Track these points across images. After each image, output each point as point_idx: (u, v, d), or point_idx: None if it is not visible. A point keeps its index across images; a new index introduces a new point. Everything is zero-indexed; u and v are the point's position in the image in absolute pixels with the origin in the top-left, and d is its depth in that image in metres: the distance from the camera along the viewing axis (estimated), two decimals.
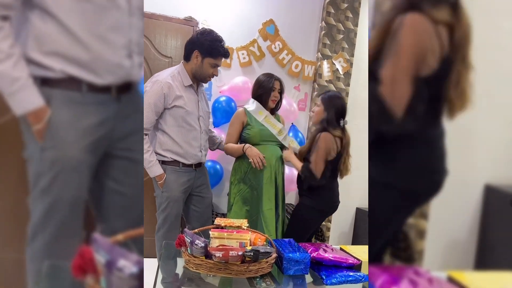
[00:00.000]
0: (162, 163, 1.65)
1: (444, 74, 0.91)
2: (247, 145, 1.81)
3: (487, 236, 1.57)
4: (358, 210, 2.90)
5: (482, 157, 1.42)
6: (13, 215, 1.37)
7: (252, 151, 1.78)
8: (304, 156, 1.81)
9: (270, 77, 1.87)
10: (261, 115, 1.86)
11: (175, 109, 1.61)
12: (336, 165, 1.80)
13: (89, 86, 1.05)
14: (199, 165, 1.76)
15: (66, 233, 1.05)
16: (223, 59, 1.69)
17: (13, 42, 0.96)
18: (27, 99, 0.98)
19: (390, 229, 1.05)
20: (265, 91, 1.85)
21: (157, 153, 1.65)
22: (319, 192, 1.80)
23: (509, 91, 1.52)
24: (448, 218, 1.16)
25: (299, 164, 1.81)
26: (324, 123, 1.78)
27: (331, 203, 1.86)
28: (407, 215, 1.07)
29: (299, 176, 1.87)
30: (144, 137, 1.60)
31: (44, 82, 1.01)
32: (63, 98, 1.03)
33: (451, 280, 0.72)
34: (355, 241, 2.87)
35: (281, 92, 1.91)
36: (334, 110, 1.79)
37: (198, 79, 1.70)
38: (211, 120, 2.40)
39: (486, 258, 1.55)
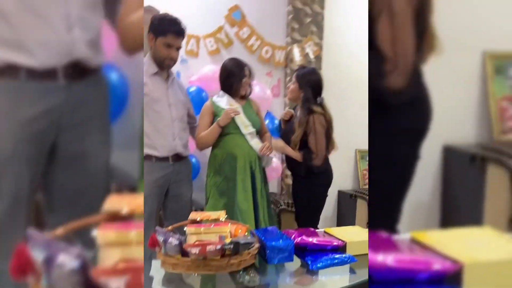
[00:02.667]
0: None
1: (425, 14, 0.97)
2: (218, 119, 1.73)
3: (450, 195, 1.63)
4: (340, 193, 2.91)
5: (439, 118, 1.45)
6: None
7: (224, 117, 1.70)
8: (299, 143, 1.77)
9: (239, 64, 1.79)
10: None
11: None
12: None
13: (29, 73, 0.94)
14: (178, 158, 1.66)
15: (7, 230, 0.96)
16: (181, 41, 1.59)
17: None
18: None
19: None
20: (236, 79, 1.78)
21: None
22: (327, 168, 1.88)
23: (461, 49, 1.55)
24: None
25: (296, 153, 1.80)
26: (304, 102, 1.76)
27: (332, 175, 1.92)
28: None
29: (292, 162, 1.86)
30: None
31: None
32: None
33: (413, 241, 0.71)
34: (340, 223, 2.89)
35: (250, 78, 1.84)
36: (310, 87, 1.77)
37: (159, 65, 1.59)
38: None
39: (451, 216, 1.62)
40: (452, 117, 1.60)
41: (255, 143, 1.81)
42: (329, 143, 1.85)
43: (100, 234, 0.68)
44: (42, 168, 1.03)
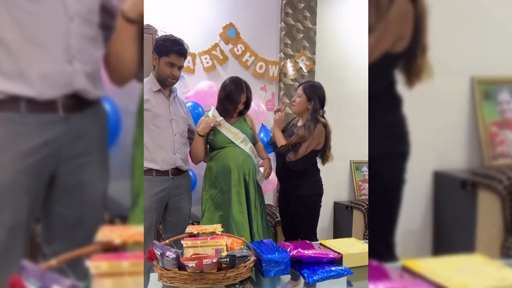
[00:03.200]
0: None
1: (416, 44, 1.00)
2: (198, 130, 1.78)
3: (441, 222, 1.60)
4: (336, 204, 2.92)
5: (429, 143, 1.44)
6: None
7: (204, 125, 1.75)
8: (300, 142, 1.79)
9: (239, 88, 1.82)
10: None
11: None
12: (321, 152, 1.86)
13: (29, 104, 0.96)
14: (178, 172, 1.69)
15: (4, 261, 0.95)
16: (183, 60, 1.66)
17: None
18: None
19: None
20: (231, 103, 1.82)
21: None
22: (317, 179, 1.90)
23: (449, 74, 1.55)
24: (401, 210, 1.17)
25: (283, 141, 1.82)
26: (313, 113, 1.80)
27: (322, 186, 1.93)
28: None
29: (284, 170, 1.87)
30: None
31: None
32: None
33: (405, 269, 0.71)
34: (336, 235, 2.88)
35: (247, 101, 1.89)
36: (318, 99, 1.82)
37: (162, 83, 1.66)
38: None
39: (442, 243, 1.58)
40: (442, 143, 1.59)
41: (249, 149, 1.86)
42: (328, 154, 1.88)
43: (93, 264, 0.68)
44: (41, 199, 1.03)
